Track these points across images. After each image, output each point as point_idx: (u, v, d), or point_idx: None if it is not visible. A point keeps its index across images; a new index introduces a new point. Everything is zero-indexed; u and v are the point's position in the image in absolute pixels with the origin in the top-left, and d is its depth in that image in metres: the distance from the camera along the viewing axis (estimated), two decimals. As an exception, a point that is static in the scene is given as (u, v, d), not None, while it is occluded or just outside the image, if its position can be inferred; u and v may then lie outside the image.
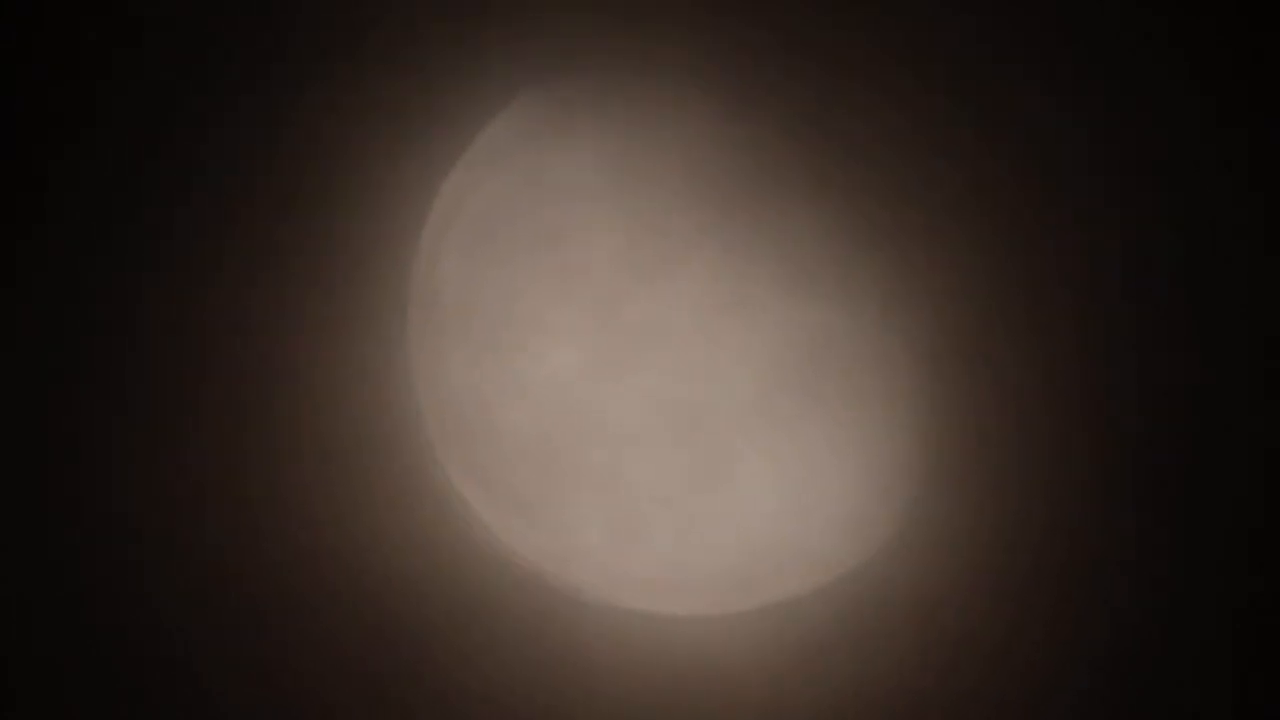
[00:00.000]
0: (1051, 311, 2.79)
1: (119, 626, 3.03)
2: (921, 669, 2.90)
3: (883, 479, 2.85)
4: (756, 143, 2.78)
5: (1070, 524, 2.80)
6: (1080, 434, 2.80)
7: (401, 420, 3.02)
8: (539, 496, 2.90)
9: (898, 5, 2.79)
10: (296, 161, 2.98)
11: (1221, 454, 2.81)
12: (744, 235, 2.77)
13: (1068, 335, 2.79)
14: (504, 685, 3.03)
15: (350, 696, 3.02)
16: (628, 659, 3.01)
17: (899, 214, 2.74)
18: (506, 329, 2.85)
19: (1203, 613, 2.81)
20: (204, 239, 2.96)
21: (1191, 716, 2.80)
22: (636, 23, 2.90)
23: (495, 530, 3.02)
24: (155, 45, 2.95)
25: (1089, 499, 2.80)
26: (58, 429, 3.02)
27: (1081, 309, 2.78)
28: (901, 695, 2.91)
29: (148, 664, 3.03)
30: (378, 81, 2.95)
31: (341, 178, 2.98)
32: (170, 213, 2.96)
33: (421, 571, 3.02)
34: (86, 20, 2.94)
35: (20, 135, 2.98)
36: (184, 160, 2.97)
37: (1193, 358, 2.79)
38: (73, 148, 2.98)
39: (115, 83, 2.95)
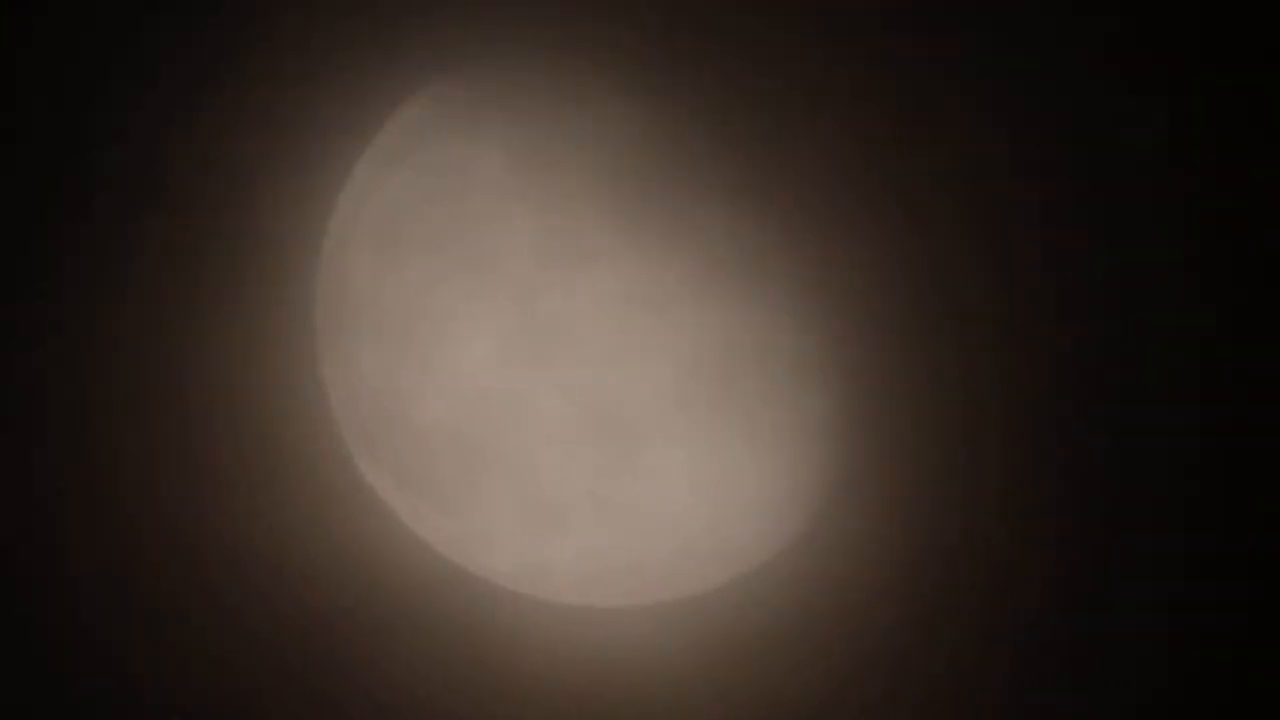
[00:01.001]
0: (967, 309, 2.78)
1: (41, 625, 2.99)
2: (832, 660, 2.90)
3: (797, 472, 2.84)
4: (669, 135, 2.75)
5: (981, 524, 2.80)
6: (993, 433, 2.80)
7: (314, 416, 2.99)
8: (454, 488, 2.88)
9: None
10: (199, 159, 2.93)
11: (1137, 459, 2.83)
12: (657, 228, 2.74)
13: (983, 332, 2.78)
14: (422, 674, 3.02)
15: (270, 690, 3.00)
16: (544, 649, 3.00)
17: (813, 211, 2.72)
18: (418, 322, 2.82)
19: (1110, 618, 2.83)
20: (109, 239, 2.90)
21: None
22: (547, 13, 2.85)
23: (410, 522, 2.99)
24: (54, 51, 2.89)
25: (1001, 498, 2.81)
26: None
27: (998, 308, 2.78)
28: (814, 686, 2.91)
29: (70, 662, 3.00)
30: (281, 76, 2.90)
31: (245, 174, 2.93)
32: (75, 215, 2.91)
33: (338, 564, 3.00)
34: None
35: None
36: (84, 162, 2.91)
37: (1110, 357, 2.80)
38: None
39: (19, 94, 2.89)
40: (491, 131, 2.82)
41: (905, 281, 2.75)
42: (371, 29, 2.92)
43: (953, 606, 2.85)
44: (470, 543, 2.94)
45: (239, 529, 2.96)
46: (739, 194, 2.73)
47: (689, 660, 2.98)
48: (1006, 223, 2.78)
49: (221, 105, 2.93)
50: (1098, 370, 2.80)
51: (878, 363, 2.76)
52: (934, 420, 2.79)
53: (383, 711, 3.02)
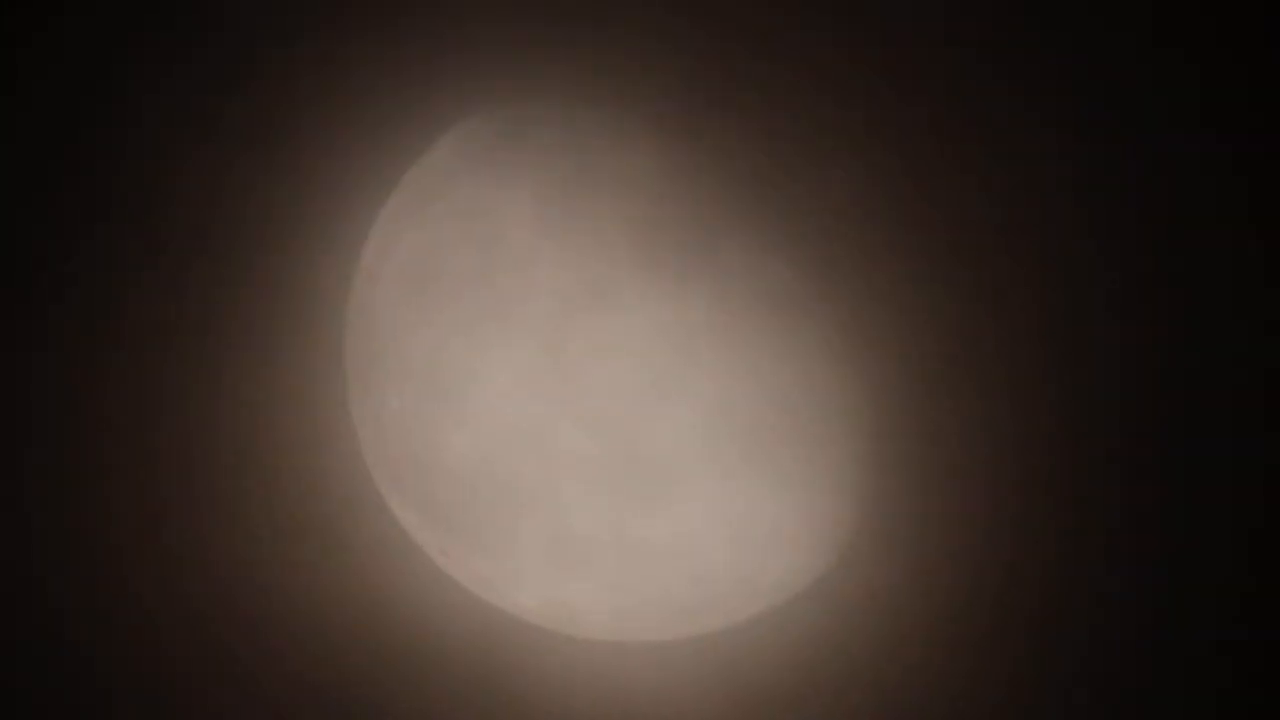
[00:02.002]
0: (1000, 355, 2.79)
1: (64, 656, 3.02)
2: (857, 696, 2.90)
3: (824, 508, 2.85)
4: (700, 177, 2.78)
5: (1012, 567, 2.81)
6: (1025, 478, 2.80)
7: (341, 450, 3.02)
8: (480, 523, 2.90)
9: (850, 39, 2.79)
10: (228, 196, 2.96)
11: (1181, 505, 2.82)
12: (689, 267, 2.76)
13: (1017, 378, 2.79)
14: (448, 712, 3.03)
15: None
16: (571, 685, 3.02)
17: (846, 255, 2.74)
18: (446, 362, 2.84)
19: (1155, 665, 2.82)
20: (139, 287, 2.94)
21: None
22: (578, 53, 2.89)
23: (438, 560, 3.01)
24: (83, 99, 2.93)
25: (1033, 542, 2.81)
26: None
27: (1032, 355, 2.78)
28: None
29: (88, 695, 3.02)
30: (312, 113, 2.94)
31: (275, 220, 2.97)
32: (107, 264, 2.95)
33: (363, 599, 3.01)
34: None
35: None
36: (114, 212, 2.95)
37: (1143, 397, 2.80)
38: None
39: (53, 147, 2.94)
40: (520, 173, 2.85)
41: (937, 328, 2.76)
42: (399, 72, 2.95)
43: (978, 644, 2.85)
44: (498, 580, 2.96)
45: (269, 570, 2.99)
46: (770, 238, 2.75)
47: (716, 695, 2.99)
48: (1046, 272, 2.79)
49: (249, 143, 2.97)
50: (1129, 415, 2.80)
51: (909, 407, 2.77)
52: (964, 464, 2.80)
53: (411, 747, 3.04)
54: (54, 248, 2.97)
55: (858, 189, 2.72)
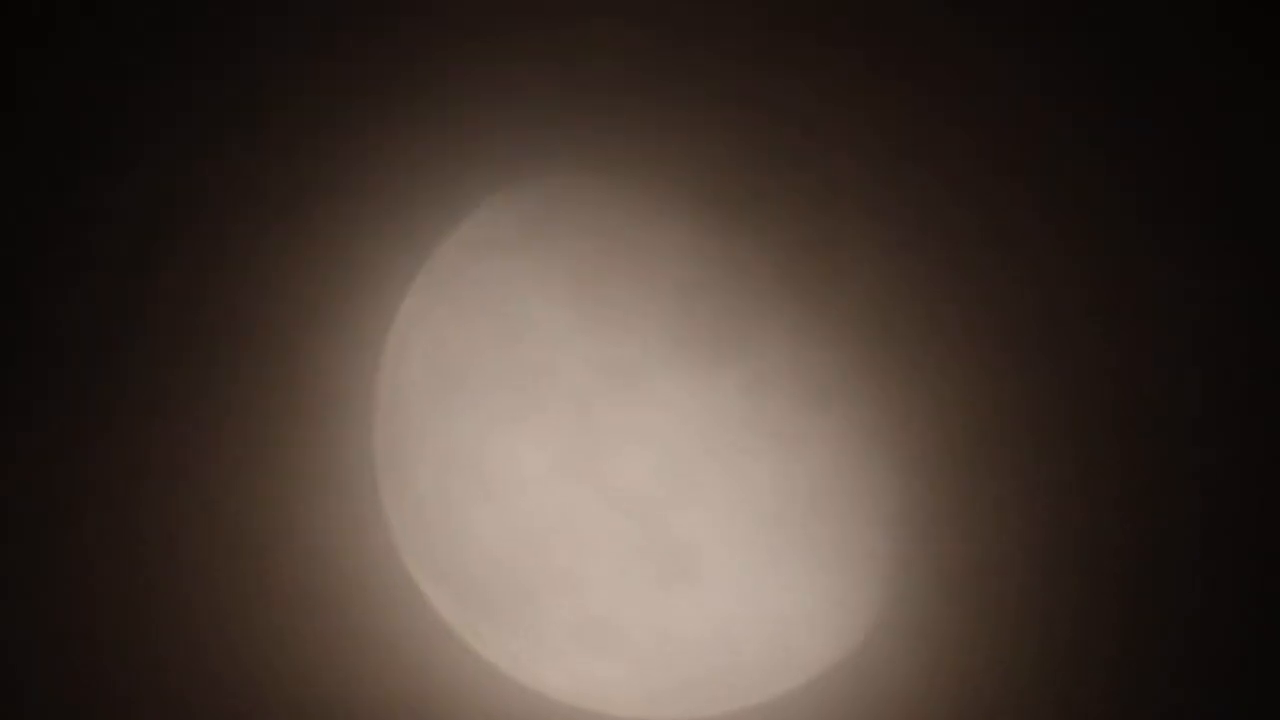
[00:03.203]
0: (1032, 440, 2.80)
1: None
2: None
3: (855, 579, 2.85)
4: (730, 247, 2.78)
5: (1043, 636, 2.81)
6: (1048, 560, 2.81)
7: (367, 525, 3.02)
8: (508, 600, 2.90)
9: (892, 110, 2.79)
10: (260, 273, 2.97)
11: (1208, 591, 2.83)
12: (715, 339, 2.76)
13: (1046, 475, 2.80)
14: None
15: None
16: (602, 762, 3.02)
17: (876, 348, 2.74)
18: (475, 442, 2.84)
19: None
20: (166, 369, 2.95)
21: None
22: (604, 125, 2.89)
23: (464, 635, 3.01)
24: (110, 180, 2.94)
25: (1059, 611, 2.81)
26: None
27: (1061, 458, 2.79)
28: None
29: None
30: (338, 193, 2.95)
31: (307, 287, 2.97)
32: (133, 340, 2.95)
33: (394, 679, 3.01)
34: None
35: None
36: (135, 301, 2.96)
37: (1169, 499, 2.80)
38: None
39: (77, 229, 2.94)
40: (550, 243, 2.85)
41: (965, 423, 2.77)
42: (429, 149, 2.96)
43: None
44: (529, 660, 2.96)
45: (302, 652, 2.99)
46: (801, 323, 2.76)
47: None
48: (1079, 376, 2.80)
49: (278, 229, 2.98)
50: (1155, 501, 2.81)
51: (937, 487, 2.78)
52: (990, 552, 2.80)
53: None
54: (86, 330, 2.97)
55: (888, 277, 2.72)
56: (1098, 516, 2.79)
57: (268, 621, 2.96)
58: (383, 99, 2.94)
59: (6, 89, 2.89)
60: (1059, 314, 2.78)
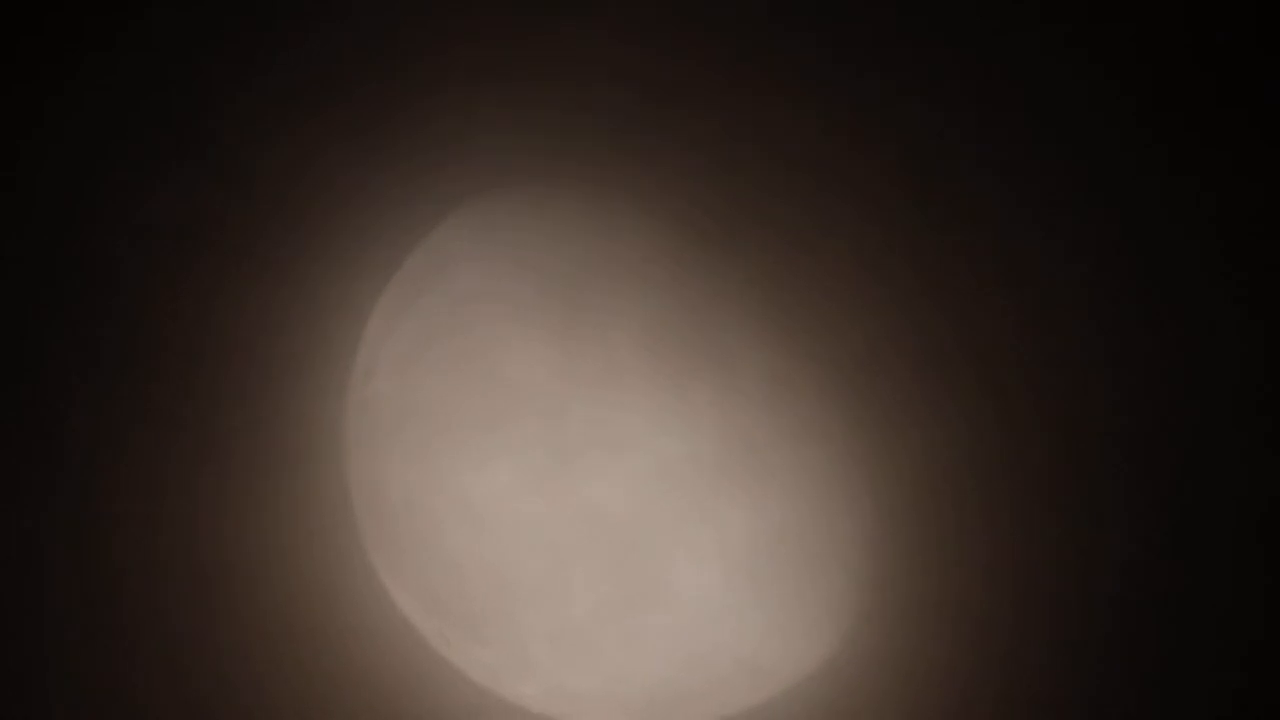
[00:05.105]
0: (1016, 486, 2.81)
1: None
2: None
3: (828, 594, 2.86)
4: (700, 258, 2.78)
5: (1017, 656, 2.83)
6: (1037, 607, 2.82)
7: (341, 539, 3.01)
8: (482, 612, 2.90)
9: (877, 150, 2.79)
10: (230, 280, 2.96)
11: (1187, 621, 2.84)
12: (688, 351, 2.77)
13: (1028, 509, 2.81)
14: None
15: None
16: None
17: (870, 384, 2.75)
18: (445, 446, 2.84)
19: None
20: (145, 387, 2.94)
21: None
22: (573, 138, 2.88)
23: (439, 647, 3.01)
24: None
25: (1041, 629, 2.83)
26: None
27: (1045, 480, 2.80)
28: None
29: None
30: (313, 201, 2.94)
31: (276, 296, 2.96)
32: (138, 376, 2.95)
33: (366, 689, 3.01)
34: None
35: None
36: (120, 326, 2.95)
37: (1157, 521, 2.81)
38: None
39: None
40: (520, 253, 2.85)
41: (947, 466, 2.78)
42: (399, 155, 2.95)
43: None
44: (501, 669, 2.96)
45: (265, 660, 2.98)
46: (768, 322, 2.76)
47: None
48: (1066, 404, 2.81)
49: (254, 230, 2.97)
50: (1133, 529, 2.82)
51: (921, 480, 2.79)
52: (957, 577, 2.81)
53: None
54: (53, 375, 2.96)
55: (867, 285, 2.72)
56: (1064, 545, 2.80)
57: (233, 628, 2.96)
58: (350, 114, 2.94)
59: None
60: (1033, 355, 2.79)
